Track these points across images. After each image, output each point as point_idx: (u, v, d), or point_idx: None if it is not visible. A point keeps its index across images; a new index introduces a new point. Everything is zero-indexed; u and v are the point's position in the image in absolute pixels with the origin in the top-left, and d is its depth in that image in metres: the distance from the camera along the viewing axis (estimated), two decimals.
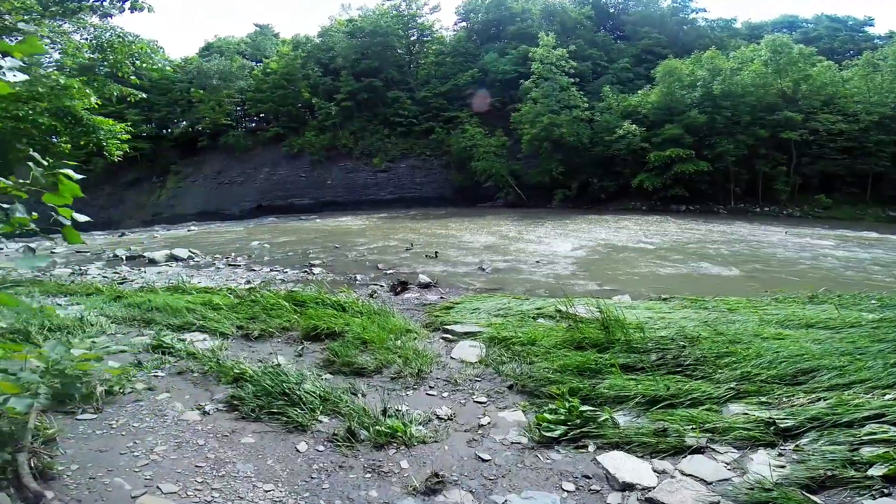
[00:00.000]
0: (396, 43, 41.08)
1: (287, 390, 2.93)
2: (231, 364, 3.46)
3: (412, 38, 43.80)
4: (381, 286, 7.15)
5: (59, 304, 6.50)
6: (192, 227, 26.37)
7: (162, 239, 20.72)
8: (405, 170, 38.12)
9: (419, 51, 43.62)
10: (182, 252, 13.07)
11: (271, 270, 9.19)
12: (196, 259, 12.24)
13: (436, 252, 13.25)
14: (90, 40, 10.32)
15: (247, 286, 7.23)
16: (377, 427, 2.69)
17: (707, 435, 2.58)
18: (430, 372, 3.64)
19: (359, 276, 8.14)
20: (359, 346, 3.90)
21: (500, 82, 37.57)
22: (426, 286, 6.96)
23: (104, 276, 10.69)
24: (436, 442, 2.67)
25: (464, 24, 44.86)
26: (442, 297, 6.24)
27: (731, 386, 2.97)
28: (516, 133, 33.30)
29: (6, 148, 9.23)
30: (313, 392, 2.95)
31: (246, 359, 3.72)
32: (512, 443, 2.68)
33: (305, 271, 8.75)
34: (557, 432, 2.65)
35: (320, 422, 2.83)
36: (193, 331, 4.82)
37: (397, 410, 2.90)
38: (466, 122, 35.64)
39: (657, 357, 3.45)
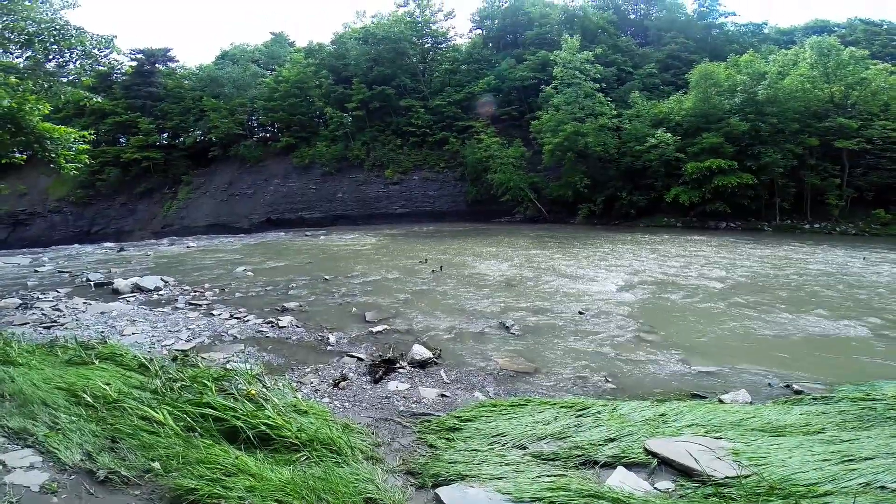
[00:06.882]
0: (410, 49, 39.54)
1: None
2: None
3: (426, 46, 42.27)
4: (360, 360, 4.96)
5: None
6: (191, 244, 24.94)
7: (154, 257, 19.32)
8: (417, 182, 36.29)
9: (433, 58, 42.02)
10: (150, 282, 11.34)
11: (231, 317, 7.14)
12: (161, 292, 10.38)
13: (440, 266, 12.56)
14: (15, 35, 8.61)
15: (179, 350, 5.20)
16: None
17: None
18: None
19: (332, 338, 5.89)
20: None
21: (517, 90, 35.58)
22: (422, 364, 4.72)
23: (43, 313, 9.01)
24: None
25: (479, 31, 43.32)
26: (443, 396, 4.01)
27: None
28: (536, 143, 31.11)
29: None
30: None
31: None
32: None
33: (270, 322, 6.64)
34: None
35: None
36: (29, 444, 2.90)
37: None
38: (482, 131, 33.57)
39: None
